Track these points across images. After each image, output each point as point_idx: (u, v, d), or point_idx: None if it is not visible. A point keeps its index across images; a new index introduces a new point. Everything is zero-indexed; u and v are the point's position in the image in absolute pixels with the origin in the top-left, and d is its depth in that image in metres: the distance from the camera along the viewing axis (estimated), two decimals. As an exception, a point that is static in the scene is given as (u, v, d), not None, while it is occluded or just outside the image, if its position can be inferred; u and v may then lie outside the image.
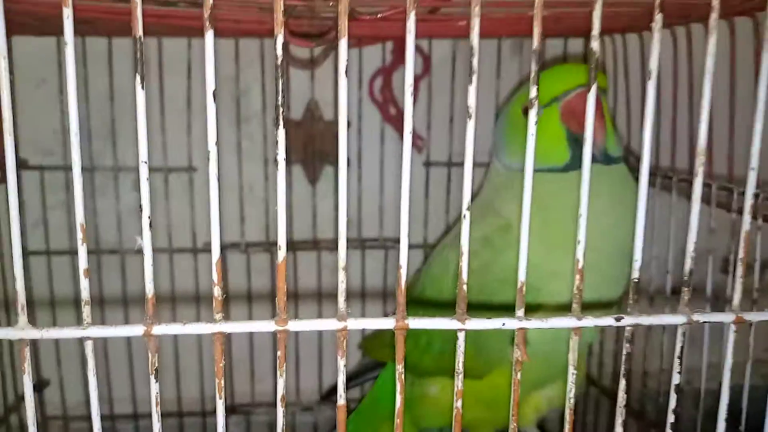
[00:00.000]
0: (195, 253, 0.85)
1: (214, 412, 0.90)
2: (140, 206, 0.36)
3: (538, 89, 0.37)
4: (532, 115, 0.37)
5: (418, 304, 0.68)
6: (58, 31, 0.80)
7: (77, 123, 0.34)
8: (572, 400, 0.38)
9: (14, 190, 0.34)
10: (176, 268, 0.85)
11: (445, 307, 0.65)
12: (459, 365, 0.38)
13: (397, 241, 0.89)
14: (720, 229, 0.65)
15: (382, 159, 0.87)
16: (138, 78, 0.34)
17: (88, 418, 0.39)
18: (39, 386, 0.87)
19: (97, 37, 0.80)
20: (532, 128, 0.37)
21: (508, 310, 0.48)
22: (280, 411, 0.38)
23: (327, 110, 0.85)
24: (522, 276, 0.37)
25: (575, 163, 0.60)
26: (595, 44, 0.35)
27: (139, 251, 0.37)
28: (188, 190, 0.84)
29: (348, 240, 0.92)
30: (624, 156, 0.63)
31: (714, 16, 0.36)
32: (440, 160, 0.87)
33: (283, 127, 0.35)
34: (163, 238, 0.84)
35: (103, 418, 0.90)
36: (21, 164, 0.83)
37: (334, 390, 0.87)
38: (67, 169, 0.83)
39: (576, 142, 0.60)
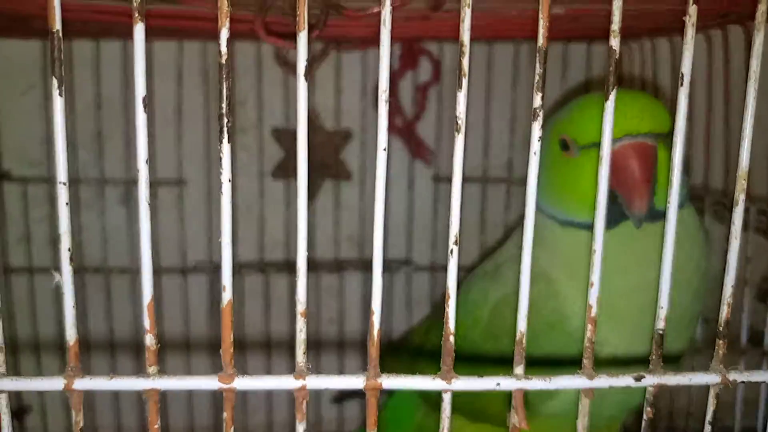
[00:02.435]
0: (185, 273, 0.79)
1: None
2: (58, 235, 0.30)
3: (542, 103, 0.30)
4: (534, 139, 0.30)
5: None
6: (44, 35, 0.76)
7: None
8: None
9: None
10: (165, 288, 0.79)
11: (478, 343, 0.57)
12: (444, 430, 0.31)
13: (405, 262, 0.83)
14: (756, 257, 0.58)
15: (388, 173, 0.80)
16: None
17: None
18: (20, 413, 0.81)
19: (84, 39, 0.75)
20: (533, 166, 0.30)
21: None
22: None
23: (327, 119, 0.79)
24: (522, 326, 0.31)
25: (611, 220, 0.49)
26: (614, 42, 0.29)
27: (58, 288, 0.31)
28: (177, 205, 0.79)
29: (348, 261, 0.85)
30: (686, 200, 0.53)
31: (762, 9, 0.29)
32: (450, 175, 0.80)
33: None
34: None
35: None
36: (4, 175, 0.78)
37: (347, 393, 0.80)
38: (53, 181, 0.78)
39: (614, 198, 0.49)
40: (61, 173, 0.30)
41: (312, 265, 0.81)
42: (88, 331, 0.79)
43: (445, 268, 0.83)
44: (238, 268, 0.79)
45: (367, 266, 0.82)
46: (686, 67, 0.30)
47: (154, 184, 0.78)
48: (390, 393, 0.70)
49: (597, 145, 0.46)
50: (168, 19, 0.56)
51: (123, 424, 0.81)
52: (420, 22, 0.59)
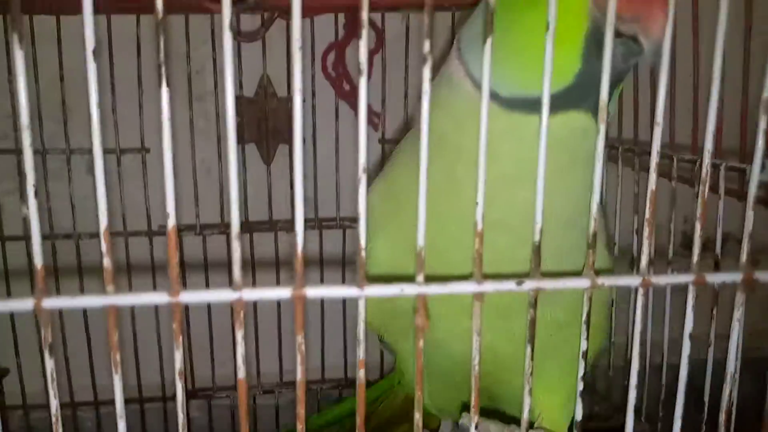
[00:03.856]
0: (150, 236, 0.84)
1: (174, 397, 0.90)
2: (23, 173, 0.35)
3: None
4: None
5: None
6: (2, 10, 0.79)
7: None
8: (476, 367, 0.37)
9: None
10: (131, 251, 0.84)
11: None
12: (360, 334, 0.37)
13: (356, 219, 0.89)
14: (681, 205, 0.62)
15: (338, 136, 0.86)
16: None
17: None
18: (-4, 373, 0.86)
19: (45, 15, 0.79)
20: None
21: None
22: (179, 386, 0.37)
23: (280, 87, 0.84)
24: (421, 241, 0.36)
25: (585, 86, 0.40)
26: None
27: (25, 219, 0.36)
28: (141, 172, 0.83)
29: (305, 220, 0.91)
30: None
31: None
32: (396, 137, 0.86)
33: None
34: (118, 221, 0.83)
35: (63, 405, 0.89)
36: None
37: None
38: (20, 152, 0.82)
39: (599, 40, 0.37)
40: (24, 117, 0.34)
41: (270, 225, 0.86)
42: (61, 291, 0.84)
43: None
44: (199, 229, 0.85)
45: (321, 225, 0.88)
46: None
47: (118, 153, 0.83)
48: None
49: None
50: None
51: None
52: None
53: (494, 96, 0.42)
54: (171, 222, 0.36)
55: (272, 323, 0.88)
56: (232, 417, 0.89)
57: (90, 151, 0.83)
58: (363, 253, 0.37)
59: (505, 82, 0.43)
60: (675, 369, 0.59)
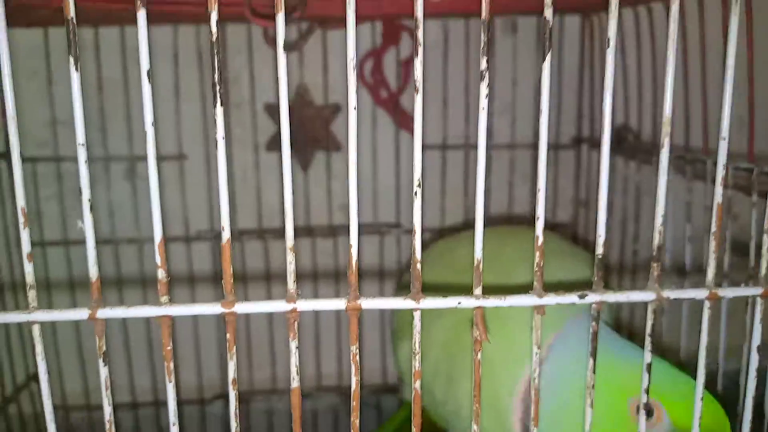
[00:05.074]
0: (188, 241, 0.85)
1: (212, 399, 0.90)
2: (80, 189, 0.35)
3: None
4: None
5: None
6: (45, 22, 0.80)
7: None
8: (537, 380, 0.36)
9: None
10: (170, 256, 0.85)
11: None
12: (416, 345, 0.36)
13: (393, 225, 0.89)
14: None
15: (375, 143, 0.85)
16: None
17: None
18: (38, 376, 0.87)
19: (84, 27, 0.80)
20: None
21: None
22: (232, 395, 0.37)
23: (317, 94, 0.84)
24: (478, 254, 0.36)
25: None
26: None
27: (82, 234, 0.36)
28: (179, 179, 0.84)
29: (341, 225, 0.90)
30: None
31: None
32: (435, 143, 0.86)
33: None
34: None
35: (99, 407, 0.89)
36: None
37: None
38: (59, 160, 0.83)
39: None
40: (80, 136, 0.34)
41: (307, 231, 0.86)
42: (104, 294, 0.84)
43: (430, 231, 0.89)
44: (238, 235, 0.85)
45: (358, 230, 0.87)
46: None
47: (157, 160, 0.83)
48: None
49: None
50: (164, 5, 0.61)
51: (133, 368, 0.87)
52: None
53: None
54: (225, 235, 0.36)
55: (309, 324, 0.88)
56: (269, 421, 0.89)
57: (127, 159, 0.84)
58: (418, 266, 0.36)
59: None
60: (730, 375, 0.58)
